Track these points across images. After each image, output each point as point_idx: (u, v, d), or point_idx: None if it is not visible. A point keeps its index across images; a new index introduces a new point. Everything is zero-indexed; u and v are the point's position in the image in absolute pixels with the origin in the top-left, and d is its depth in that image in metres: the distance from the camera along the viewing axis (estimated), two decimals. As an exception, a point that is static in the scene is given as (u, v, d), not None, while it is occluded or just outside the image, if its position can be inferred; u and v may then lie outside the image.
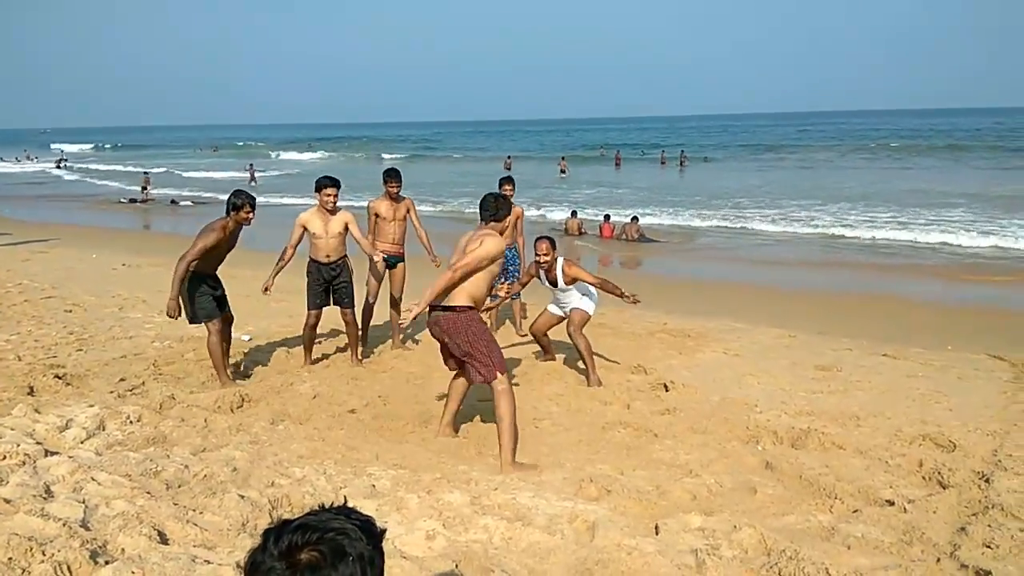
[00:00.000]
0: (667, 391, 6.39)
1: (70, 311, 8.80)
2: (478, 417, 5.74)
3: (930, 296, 11.20)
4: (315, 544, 1.25)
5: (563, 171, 37.44)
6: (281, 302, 9.32)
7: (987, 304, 10.65)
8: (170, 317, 6.05)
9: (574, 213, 18.61)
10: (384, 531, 1.39)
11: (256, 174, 35.41)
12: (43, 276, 10.99)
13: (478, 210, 5.12)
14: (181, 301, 6.03)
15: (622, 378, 6.73)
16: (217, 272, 6.35)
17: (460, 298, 4.79)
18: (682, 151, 44.71)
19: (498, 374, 4.82)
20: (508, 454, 4.78)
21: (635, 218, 17.65)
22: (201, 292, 6.19)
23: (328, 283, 6.87)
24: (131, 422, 5.15)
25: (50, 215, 22.04)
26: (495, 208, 5.02)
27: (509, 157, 43.17)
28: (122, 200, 26.52)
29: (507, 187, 7.86)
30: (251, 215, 6.18)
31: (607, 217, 17.95)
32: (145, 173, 30.79)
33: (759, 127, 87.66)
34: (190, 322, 6.28)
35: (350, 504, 1.45)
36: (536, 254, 6.61)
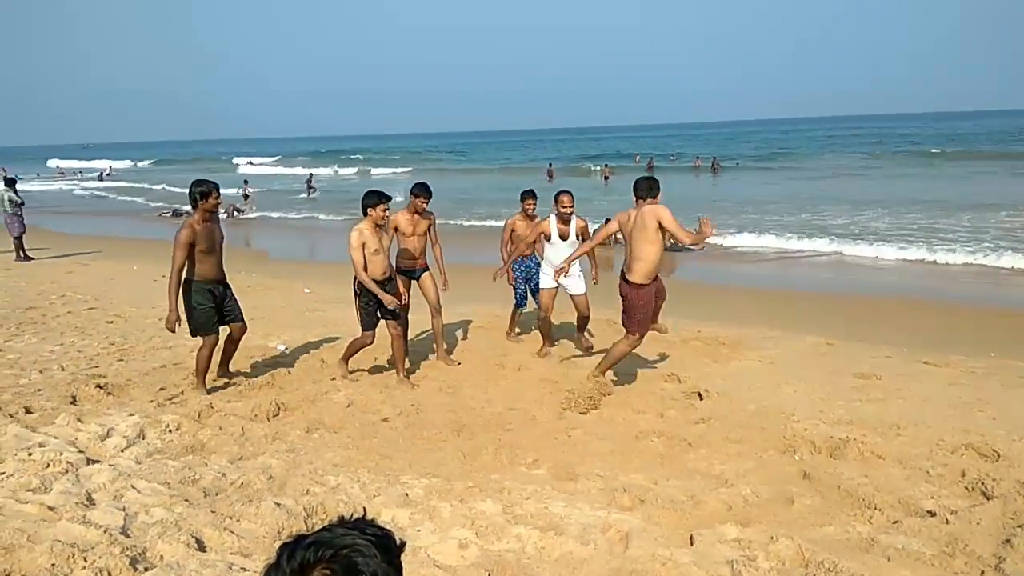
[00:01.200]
0: (701, 400, 6.33)
1: (111, 322, 8.99)
2: (509, 426, 5.74)
3: (971, 302, 10.95)
4: (328, 562, 1.24)
5: (606, 178, 37.41)
6: (316, 311, 9.42)
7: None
8: (169, 331, 6.04)
9: (607, 221, 18.30)
10: (403, 545, 1.36)
11: (314, 185, 35.43)
12: (85, 288, 11.25)
13: (632, 191, 6.18)
14: (181, 313, 6.07)
15: (655, 387, 6.68)
16: (223, 276, 6.33)
17: (639, 276, 6.08)
18: (714, 158, 44.42)
19: (636, 334, 6.21)
20: (598, 369, 6.36)
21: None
22: (199, 304, 6.13)
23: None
24: (170, 431, 5.24)
25: (93, 228, 22.54)
26: (648, 188, 6.06)
27: (551, 165, 43.29)
28: (164, 214, 27.01)
29: (530, 201, 8.03)
30: (219, 200, 6.14)
31: None
32: (245, 182, 31.98)
33: (789, 132, 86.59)
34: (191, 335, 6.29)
35: (383, 513, 1.44)
36: (563, 206, 7.40)
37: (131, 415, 5.46)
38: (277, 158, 74.67)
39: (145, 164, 77.46)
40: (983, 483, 4.47)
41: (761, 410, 6.02)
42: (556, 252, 7.47)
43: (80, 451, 4.69)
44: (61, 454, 4.51)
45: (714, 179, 38.20)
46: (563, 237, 7.48)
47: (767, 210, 22.75)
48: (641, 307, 6.15)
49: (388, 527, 1.37)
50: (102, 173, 54.24)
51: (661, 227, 5.96)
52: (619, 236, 16.19)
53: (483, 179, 43.10)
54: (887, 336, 8.66)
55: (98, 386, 6.22)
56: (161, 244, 18.99)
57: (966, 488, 4.51)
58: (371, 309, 6.60)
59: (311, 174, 38.91)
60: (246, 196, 28.99)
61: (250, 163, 68.58)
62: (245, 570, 3.38)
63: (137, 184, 45.22)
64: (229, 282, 6.49)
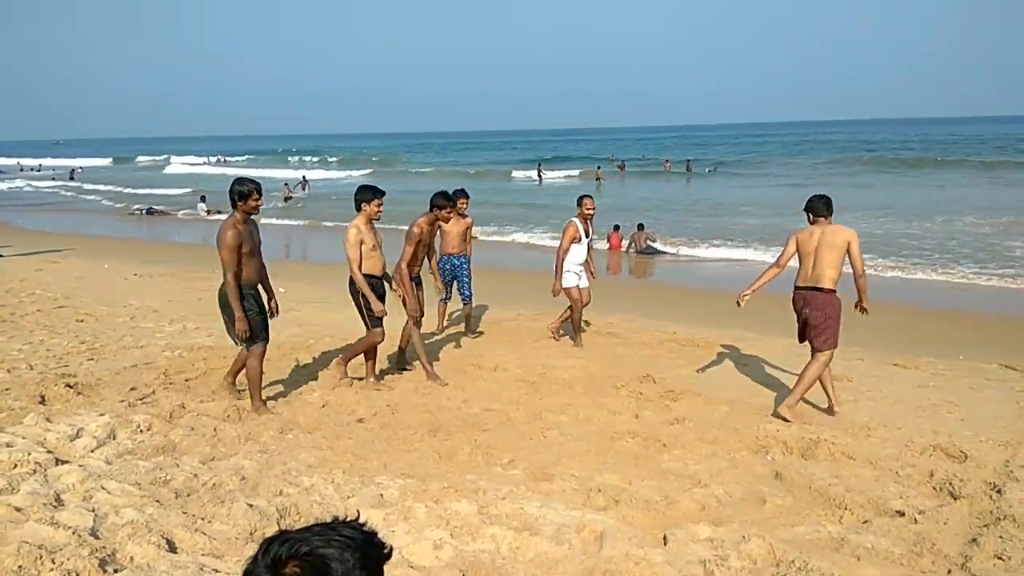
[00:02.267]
0: (676, 400, 6.37)
1: (82, 321, 8.86)
2: (485, 427, 5.74)
3: (941, 305, 11.13)
4: (301, 558, 1.26)
5: (598, 179, 37.52)
6: (290, 311, 9.34)
7: (999, 313, 10.58)
8: (241, 340, 5.67)
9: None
10: (388, 550, 1.36)
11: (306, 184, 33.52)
12: (56, 286, 11.07)
13: (806, 212, 6.04)
14: (235, 318, 5.61)
15: (631, 388, 6.72)
16: (259, 286, 5.87)
17: (830, 282, 5.85)
18: (688, 161, 44.85)
19: (831, 348, 5.86)
20: (793, 399, 5.86)
21: (641, 226, 17.50)
22: (249, 309, 5.67)
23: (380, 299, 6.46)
24: (141, 431, 5.18)
25: (63, 226, 22.21)
26: (827, 207, 5.98)
27: (540, 165, 43.61)
28: (138, 211, 26.66)
29: (463, 200, 8.41)
30: (260, 201, 5.69)
31: (616, 227, 17.83)
32: (286, 184, 31.90)
33: (761, 136, 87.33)
34: (237, 343, 5.85)
35: (361, 514, 1.44)
36: (587, 208, 8.05)
37: (101, 415, 5.38)
38: (246, 157, 73.28)
39: (106, 162, 75.53)
40: (951, 483, 4.55)
41: (734, 411, 6.09)
42: (580, 250, 8.14)
43: (49, 451, 4.61)
44: (29, 454, 4.44)
45: (687, 182, 38.45)
46: (587, 235, 8.20)
47: (741, 212, 22.95)
48: (838, 316, 5.87)
49: (374, 531, 1.36)
50: (72, 171, 53.43)
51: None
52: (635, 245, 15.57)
53: (456, 183, 42.91)
54: (858, 338, 8.75)
55: (68, 385, 6.12)
56: (133, 242, 18.78)
57: (934, 488, 4.59)
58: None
59: (304, 175, 38.24)
60: (287, 198, 29.01)
61: (222, 160, 67.78)
62: (216, 571, 3.35)
63: (70, 183, 44.14)
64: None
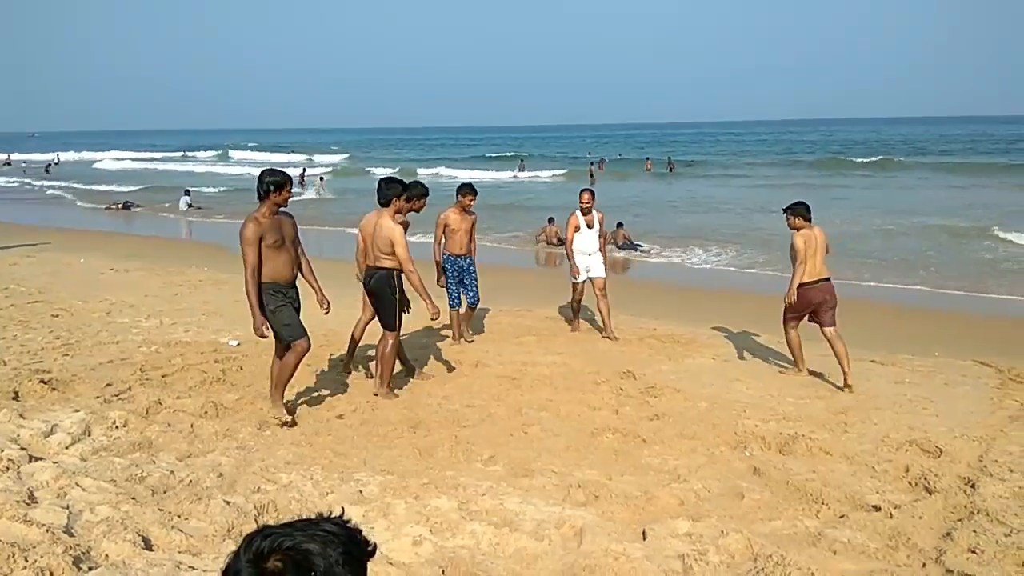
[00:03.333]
0: (656, 396, 6.40)
1: (57, 316, 8.74)
2: (466, 423, 5.73)
3: (918, 303, 11.26)
4: (283, 552, 1.27)
5: (592, 176, 37.42)
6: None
7: (975, 311, 10.71)
8: (260, 337, 5.50)
9: (551, 220, 17.90)
10: (371, 548, 1.36)
11: (306, 178, 31.20)
12: (30, 280, 10.92)
13: (793, 216, 7.02)
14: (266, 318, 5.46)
15: (611, 384, 6.73)
16: (296, 283, 5.65)
17: (828, 272, 7.09)
18: (669, 157, 45.01)
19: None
20: (850, 369, 6.73)
21: (620, 224, 17.50)
22: (279, 305, 5.47)
23: None
24: (117, 427, 5.12)
25: (39, 219, 21.89)
26: (808, 211, 7.04)
27: (522, 161, 43.88)
28: (115, 206, 26.31)
29: (470, 196, 8.12)
30: (291, 194, 5.44)
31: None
32: (317, 175, 31.70)
33: (751, 135, 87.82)
34: (281, 342, 5.63)
35: (345, 511, 1.44)
36: (582, 201, 8.37)
37: (76, 411, 5.31)
38: (218, 152, 71.51)
39: (78, 156, 73.22)
40: (926, 478, 4.61)
41: (714, 407, 6.12)
42: (585, 240, 8.46)
43: (22, 448, 4.55)
44: (2, 451, 4.37)
45: (669, 180, 38.51)
46: (589, 226, 8.50)
47: (722, 211, 23.05)
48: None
49: (358, 528, 1.36)
50: (48, 164, 52.53)
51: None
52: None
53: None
54: (836, 335, 8.83)
55: (42, 381, 6.04)
56: (109, 236, 18.55)
57: (909, 483, 4.64)
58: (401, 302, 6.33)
59: (304, 168, 37.03)
60: (309, 183, 28.25)
61: (196, 157, 67.03)
62: (193, 569, 3.33)
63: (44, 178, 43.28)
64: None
